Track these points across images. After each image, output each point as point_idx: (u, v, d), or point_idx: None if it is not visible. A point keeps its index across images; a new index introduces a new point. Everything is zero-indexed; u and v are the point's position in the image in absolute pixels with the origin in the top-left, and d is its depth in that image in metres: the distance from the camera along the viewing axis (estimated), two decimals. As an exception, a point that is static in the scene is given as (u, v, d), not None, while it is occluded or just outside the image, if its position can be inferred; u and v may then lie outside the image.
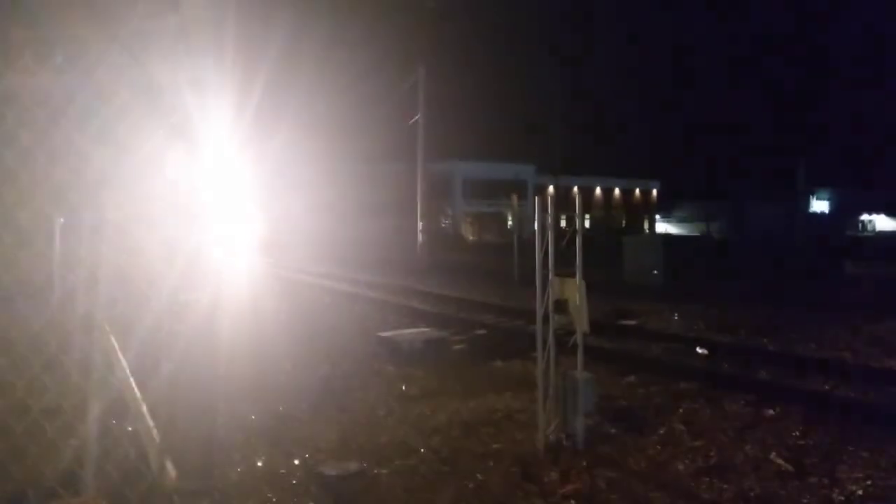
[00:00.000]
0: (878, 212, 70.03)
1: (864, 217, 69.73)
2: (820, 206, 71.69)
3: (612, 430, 6.17)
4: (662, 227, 68.65)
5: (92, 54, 2.11)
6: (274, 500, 4.68)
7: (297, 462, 5.37)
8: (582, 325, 5.73)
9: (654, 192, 71.17)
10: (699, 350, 9.72)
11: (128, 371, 3.08)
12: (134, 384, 3.02)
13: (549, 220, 5.89)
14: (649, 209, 70.48)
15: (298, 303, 15.10)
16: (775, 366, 8.65)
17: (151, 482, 2.18)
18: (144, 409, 2.68)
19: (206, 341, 2.26)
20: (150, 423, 2.54)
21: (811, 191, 67.09)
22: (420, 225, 27.10)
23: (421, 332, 10.09)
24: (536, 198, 6.12)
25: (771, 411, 6.71)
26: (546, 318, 5.83)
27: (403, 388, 7.64)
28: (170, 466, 2.23)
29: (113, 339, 2.97)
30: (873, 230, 67.05)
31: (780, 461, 5.42)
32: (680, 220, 69.79)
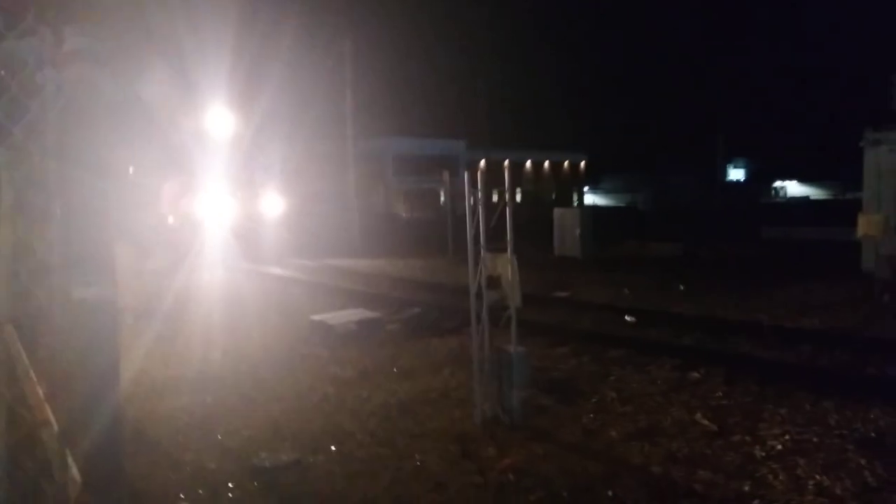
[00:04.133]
0: (790, 178, 73.99)
1: (777, 184, 73.63)
2: (736, 174, 75.25)
3: (547, 402, 6.26)
4: (591, 198, 70.23)
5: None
6: (205, 497, 4.50)
7: (228, 455, 5.18)
8: (514, 299, 5.76)
9: (583, 164, 72.62)
10: (627, 318, 10.00)
11: (32, 373, 2.82)
12: (39, 388, 2.77)
13: (480, 195, 5.84)
14: (578, 181, 71.86)
15: (227, 290, 14.60)
16: (699, 331, 9.00)
17: (53, 496, 2.00)
18: (49, 412, 2.46)
19: (106, 335, 2.10)
20: (56, 428, 2.33)
21: (728, 160, 70.17)
22: (352, 204, 26.66)
23: (354, 313, 9.93)
24: (466, 173, 6.04)
25: (695, 374, 6.98)
26: (479, 294, 5.82)
27: (338, 371, 7.51)
28: (75, 474, 2.06)
29: (18, 344, 2.71)
30: (784, 196, 70.92)
31: (705, 422, 5.65)
32: (607, 192, 71.71)
